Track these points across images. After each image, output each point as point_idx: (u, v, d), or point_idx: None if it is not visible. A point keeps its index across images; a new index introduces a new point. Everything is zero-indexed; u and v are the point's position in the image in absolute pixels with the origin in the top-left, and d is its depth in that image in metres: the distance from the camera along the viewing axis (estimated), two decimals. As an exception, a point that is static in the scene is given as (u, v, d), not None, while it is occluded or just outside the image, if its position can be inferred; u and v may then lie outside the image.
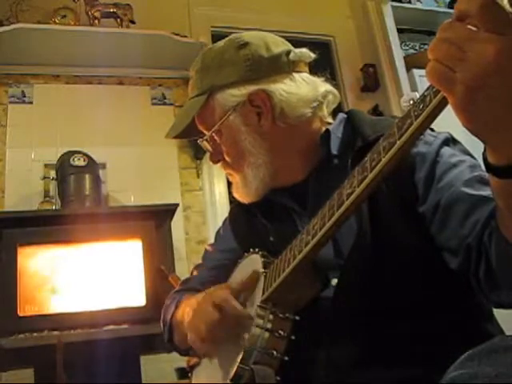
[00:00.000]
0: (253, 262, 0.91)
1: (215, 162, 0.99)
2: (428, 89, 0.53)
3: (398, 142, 0.58)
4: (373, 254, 0.80)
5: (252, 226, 1.01)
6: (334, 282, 0.83)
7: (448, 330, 0.78)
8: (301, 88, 0.93)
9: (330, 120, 0.99)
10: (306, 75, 0.96)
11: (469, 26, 0.45)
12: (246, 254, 0.95)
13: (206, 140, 0.97)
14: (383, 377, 0.76)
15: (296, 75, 0.93)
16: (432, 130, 0.88)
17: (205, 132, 0.98)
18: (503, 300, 0.68)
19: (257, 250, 0.91)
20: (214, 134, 0.95)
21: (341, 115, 0.98)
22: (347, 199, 0.66)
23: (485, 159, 0.53)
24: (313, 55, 0.98)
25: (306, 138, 0.94)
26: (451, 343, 0.71)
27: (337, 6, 3.08)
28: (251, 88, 0.91)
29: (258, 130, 0.92)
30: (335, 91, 0.98)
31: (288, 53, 0.94)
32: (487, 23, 0.44)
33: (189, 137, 1.05)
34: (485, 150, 0.52)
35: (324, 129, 0.95)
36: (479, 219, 0.70)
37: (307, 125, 0.94)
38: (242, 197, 0.98)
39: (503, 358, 0.47)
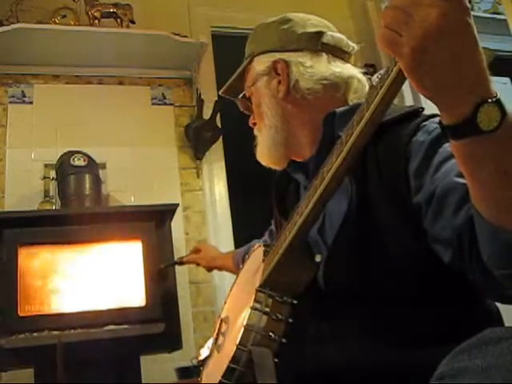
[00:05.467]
0: (258, 254, 0.96)
1: (252, 124, 1.11)
2: (391, 61, 0.56)
3: (366, 115, 0.63)
4: (357, 240, 0.82)
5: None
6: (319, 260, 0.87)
7: (448, 324, 0.78)
8: (318, 66, 1.00)
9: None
10: (335, 59, 1.02)
11: None
12: (253, 248, 1.04)
13: (244, 99, 1.10)
14: (383, 358, 0.77)
15: (324, 55, 1.01)
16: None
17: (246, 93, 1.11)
18: (504, 294, 0.67)
19: (261, 243, 1.00)
20: (249, 96, 1.09)
21: (357, 102, 1.01)
22: (327, 175, 0.71)
23: (440, 124, 0.55)
24: (353, 45, 1.06)
25: (315, 114, 0.99)
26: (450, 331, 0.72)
27: (337, 6, 3.07)
28: (276, 56, 1.03)
29: (275, 95, 1.03)
30: (361, 77, 1.04)
31: (321, 34, 1.03)
32: None
33: (235, 96, 1.15)
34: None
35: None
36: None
37: (320, 102, 1.00)
38: (259, 156, 1.08)
39: (493, 350, 0.47)
